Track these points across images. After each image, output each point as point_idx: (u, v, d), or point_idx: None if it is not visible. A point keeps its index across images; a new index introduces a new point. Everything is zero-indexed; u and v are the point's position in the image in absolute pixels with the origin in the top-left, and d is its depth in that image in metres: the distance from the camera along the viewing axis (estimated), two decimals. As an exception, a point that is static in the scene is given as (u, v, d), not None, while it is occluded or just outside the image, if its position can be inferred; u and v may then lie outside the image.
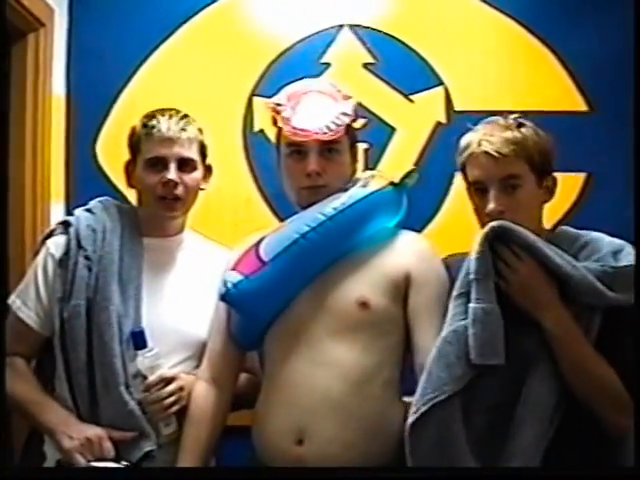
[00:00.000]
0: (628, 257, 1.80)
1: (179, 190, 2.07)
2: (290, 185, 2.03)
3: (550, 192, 1.94)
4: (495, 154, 1.82)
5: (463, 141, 1.92)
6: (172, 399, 1.98)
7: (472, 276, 1.77)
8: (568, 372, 1.74)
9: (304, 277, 1.95)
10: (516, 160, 1.84)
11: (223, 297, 1.96)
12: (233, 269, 1.97)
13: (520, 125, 1.88)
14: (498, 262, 1.79)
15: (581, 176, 2.73)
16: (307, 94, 2.02)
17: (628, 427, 1.72)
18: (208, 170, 2.20)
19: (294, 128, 1.96)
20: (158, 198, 2.08)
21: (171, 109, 2.13)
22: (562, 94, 2.76)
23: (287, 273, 1.93)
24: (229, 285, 1.93)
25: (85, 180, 2.70)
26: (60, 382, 1.98)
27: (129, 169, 2.16)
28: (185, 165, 2.08)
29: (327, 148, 1.97)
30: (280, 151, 2.04)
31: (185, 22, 2.78)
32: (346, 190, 1.98)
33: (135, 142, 2.12)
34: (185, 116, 2.12)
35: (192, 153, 2.09)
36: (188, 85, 2.75)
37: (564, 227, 1.99)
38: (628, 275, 1.75)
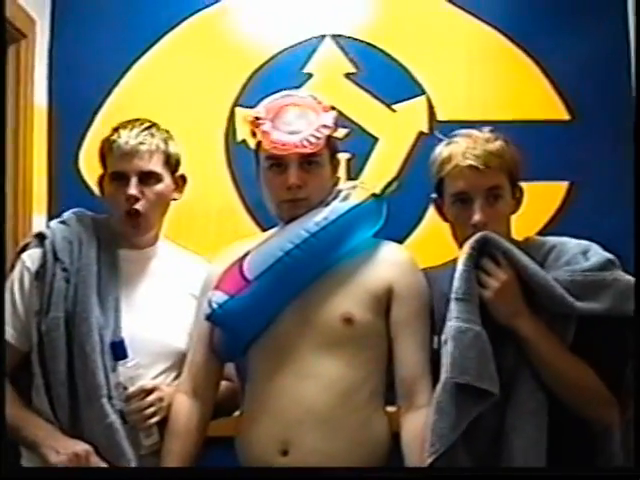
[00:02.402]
0: (597, 255, 1.86)
1: (140, 204, 2.05)
2: (270, 198, 2.02)
3: (518, 203, 1.98)
4: (481, 166, 1.86)
5: (443, 153, 1.94)
6: (152, 410, 1.97)
7: (453, 295, 1.79)
8: (547, 376, 1.79)
9: (289, 294, 1.95)
10: (499, 171, 1.89)
11: (209, 317, 1.95)
12: (217, 287, 1.97)
13: (496, 138, 1.93)
14: (479, 272, 1.82)
15: (563, 185, 2.74)
16: (286, 107, 2.00)
17: (611, 420, 1.80)
18: (182, 180, 2.19)
19: (273, 142, 1.94)
20: (123, 214, 2.07)
21: (137, 120, 2.12)
22: (544, 103, 2.77)
23: (272, 291, 1.93)
24: (214, 305, 1.93)
25: (67, 191, 2.69)
26: (39, 396, 1.96)
27: (102, 183, 2.15)
28: (147, 178, 2.06)
29: (307, 161, 1.96)
30: (260, 163, 2.03)
31: (167, 33, 2.78)
32: (327, 203, 1.98)
33: (102, 156, 2.12)
34: (149, 127, 2.10)
35: (153, 165, 2.07)
36: (170, 95, 2.75)
37: (531, 236, 2.04)
38: (596, 284, 1.80)
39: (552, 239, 1.96)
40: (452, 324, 1.77)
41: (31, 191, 2.62)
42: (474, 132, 1.95)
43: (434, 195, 2.01)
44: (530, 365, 1.79)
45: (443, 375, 1.77)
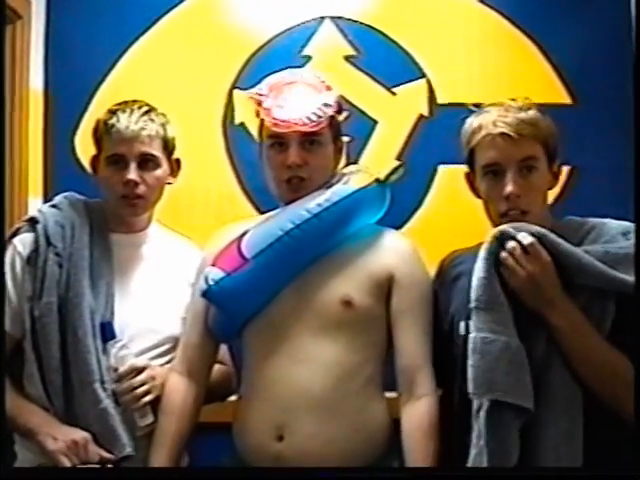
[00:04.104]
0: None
1: (140, 189, 2.05)
2: (272, 178, 2.00)
3: (556, 178, 1.91)
4: (514, 135, 1.78)
5: (473, 123, 1.86)
6: (144, 388, 1.96)
7: (473, 304, 1.70)
8: (579, 365, 1.68)
9: (287, 274, 1.93)
10: (533, 141, 1.81)
11: (204, 294, 1.94)
12: (214, 264, 1.95)
13: (529, 107, 1.85)
14: (508, 258, 1.70)
15: (565, 169, 2.71)
16: (289, 84, 1.99)
17: None
18: (177, 164, 2.18)
19: (275, 119, 1.93)
20: (120, 197, 2.06)
21: (134, 102, 2.10)
22: (546, 86, 2.74)
23: (270, 270, 1.92)
24: (210, 282, 1.91)
25: (63, 174, 2.66)
26: (32, 382, 1.95)
27: (95, 163, 2.13)
28: (146, 162, 2.05)
29: (309, 140, 1.95)
30: (262, 143, 2.02)
31: (165, 14, 2.75)
32: (329, 185, 1.96)
33: (98, 138, 2.10)
34: (148, 111, 2.08)
35: (153, 150, 2.06)
36: (167, 78, 2.72)
37: (569, 216, 1.91)
38: (632, 258, 1.69)
39: (592, 220, 1.84)
40: (474, 335, 1.67)
41: (27, 174, 2.62)
42: (507, 101, 1.87)
43: (466, 169, 1.94)
44: (562, 354, 1.69)
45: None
